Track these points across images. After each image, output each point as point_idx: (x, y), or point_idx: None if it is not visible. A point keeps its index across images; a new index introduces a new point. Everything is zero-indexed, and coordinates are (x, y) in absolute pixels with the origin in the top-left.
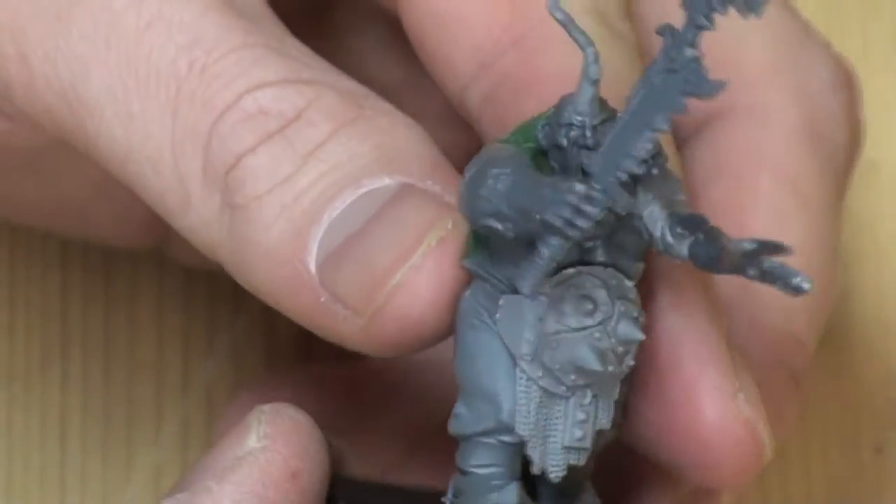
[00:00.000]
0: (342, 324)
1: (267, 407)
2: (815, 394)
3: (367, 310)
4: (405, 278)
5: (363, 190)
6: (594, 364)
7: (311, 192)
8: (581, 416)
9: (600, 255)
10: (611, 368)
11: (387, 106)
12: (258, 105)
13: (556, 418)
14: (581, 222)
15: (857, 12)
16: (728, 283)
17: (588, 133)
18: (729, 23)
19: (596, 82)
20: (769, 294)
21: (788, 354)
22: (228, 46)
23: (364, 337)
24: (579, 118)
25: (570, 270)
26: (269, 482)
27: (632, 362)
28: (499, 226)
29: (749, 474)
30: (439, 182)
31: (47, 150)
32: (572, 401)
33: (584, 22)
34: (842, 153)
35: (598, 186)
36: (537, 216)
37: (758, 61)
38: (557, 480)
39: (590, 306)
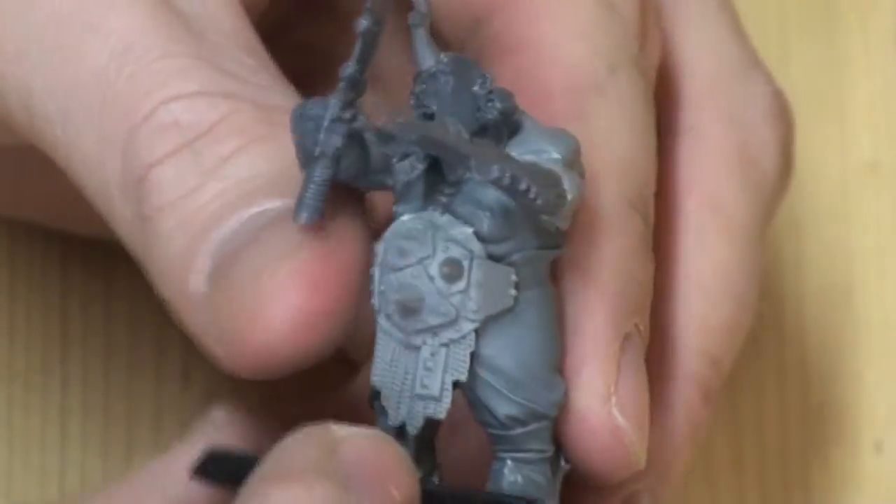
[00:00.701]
0: (214, 347)
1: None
2: (814, 394)
3: (230, 337)
4: (259, 309)
5: (255, 210)
6: (409, 297)
7: (208, 208)
8: (430, 364)
9: (457, 206)
10: (435, 308)
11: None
12: (173, 117)
13: (408, 370)
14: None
15: (857, 12)
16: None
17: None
18: (678, 44)
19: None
20: (685, 313)
21: (702, 373)
22: (155, 54)
23: (228, 362)
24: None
25: (405, 217)
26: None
27: (474, 310)
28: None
29: (612, 479)
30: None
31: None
32: (423, 350)
33: None
34: (770, 181)
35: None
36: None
37: (699, 85)
38: (415, 432)
39: (407, 246)
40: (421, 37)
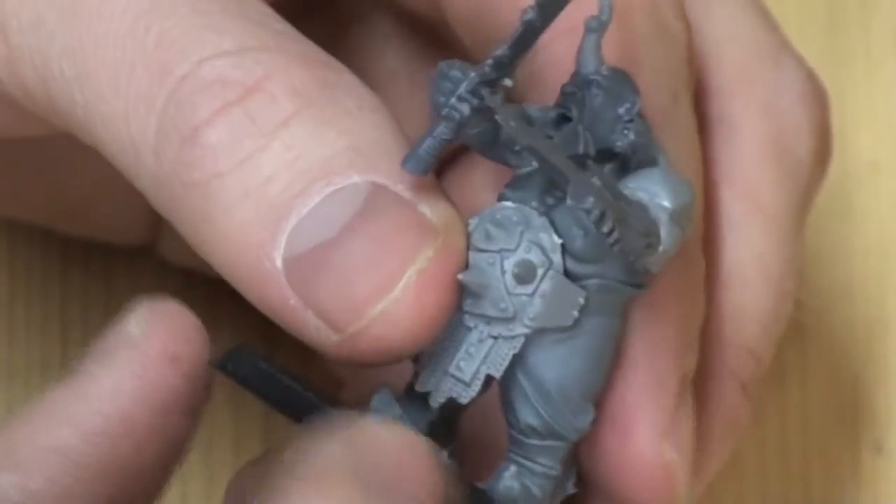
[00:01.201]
0: (314, 332)
1: (146, 300)
2: (815, 394)
3: (345, 330)
4: (387, 309)
5: (332, 188)
6: (474, 281)
7: (278, 180)
8: (472, 350)
9: (557, 213)
10: (496, 301)
11: (351, 80)
12: (216, 73)
13: (452, 345)
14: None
15: (857, 11)
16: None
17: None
18: (704, 32)
19: (594, 31)
20: (723, 306)
21: (740, 366)
22: (184, 12)
23: (337, 351)
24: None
25: (507, 203)
26: (148, 365)
27: (531, 317)
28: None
29: None
30: (409, 186)
31: (46, 142)
32: (472, 333)
33: (637, 16)
34: (806, 168)
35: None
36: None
37: (729, 73)
38: (435, 406)
39: (494, 232)
40: (592, 41)
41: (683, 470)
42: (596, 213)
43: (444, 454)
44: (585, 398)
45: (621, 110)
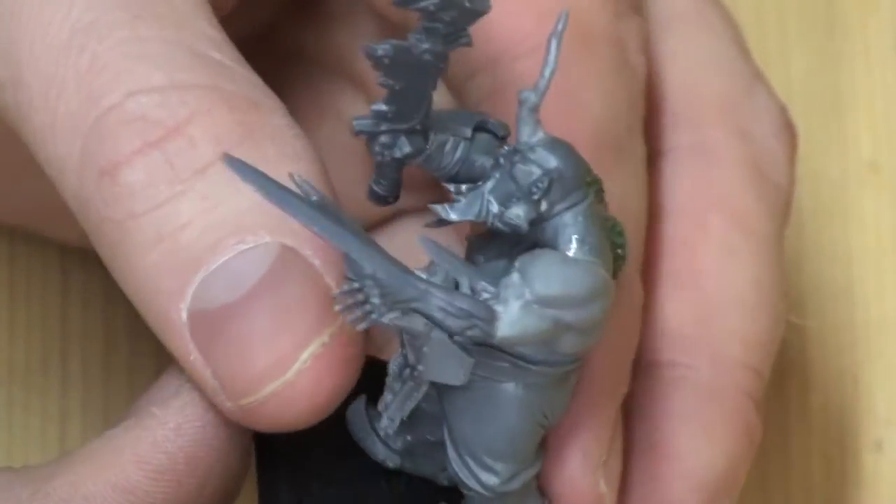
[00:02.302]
0: (211, 393)
1: None
2: (815, 394)
3: (238, 400)
4: (279, 390)
5: (243, 246)
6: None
7: (191, 230)
8: (394, 385)
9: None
10: (399, 351)
11: (279, 124)
12: (141, 110)
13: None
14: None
15: (857, 12)
16: (689, 322)
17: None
18: (680, 61)
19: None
20: (729, 328)
21: (751, 386)
22: (121, 36)
23: (231, 416)
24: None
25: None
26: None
27: (420, 369)
28: None
29: None
30: (318, 250)
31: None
32: (392, 366)
33: (601, 49)
34: (784, 194)
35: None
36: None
37: (704, 103)
38: (382, 433)
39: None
40: (525, 112)
41: (612, 500)
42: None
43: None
44: (490, 456)
45: (528, 183)
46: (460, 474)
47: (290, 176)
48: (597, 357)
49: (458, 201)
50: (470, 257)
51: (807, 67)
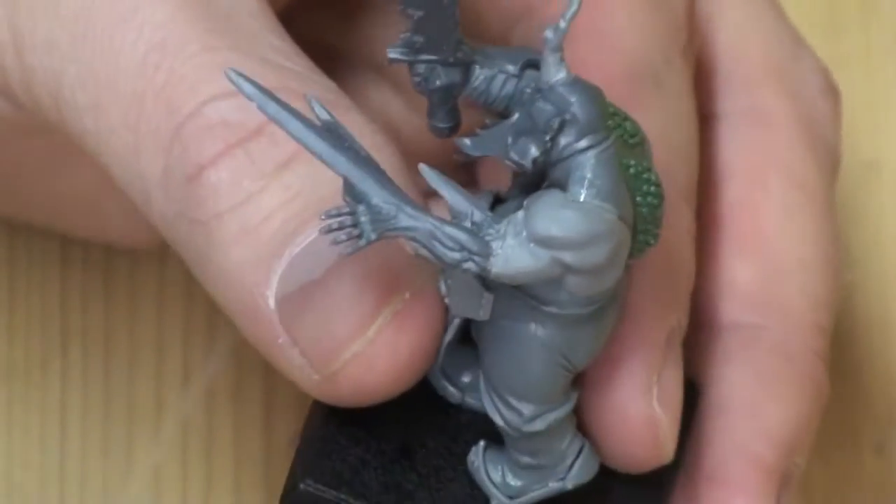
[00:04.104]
0: (297, 371)
1: None
2: None
3: (323, 370)
4: (361, 350)
5: (325, 226)
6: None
7: (273, 220)
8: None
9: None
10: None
11: (355, 118)
12: (220, 115)
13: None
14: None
15: (858, 12)
16: (757, 282)
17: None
18: (724, 28)
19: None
20: (796, 291)
21: (817, 341)
22: (194, 48)
23: (318, 391)
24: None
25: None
26: None
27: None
28: None
29: (639, 468)
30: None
31: (55, 140)
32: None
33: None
34: (833, 153)
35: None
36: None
37: (754, 67)
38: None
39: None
40: (549, 53)
41: (670, 424)
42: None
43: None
44: (513, 395)
45: (542, 123)
46: (489, 410)
47: (305, 97)
48: (641, 282)
49: (479, 136)
50: (495, 204)
51: None
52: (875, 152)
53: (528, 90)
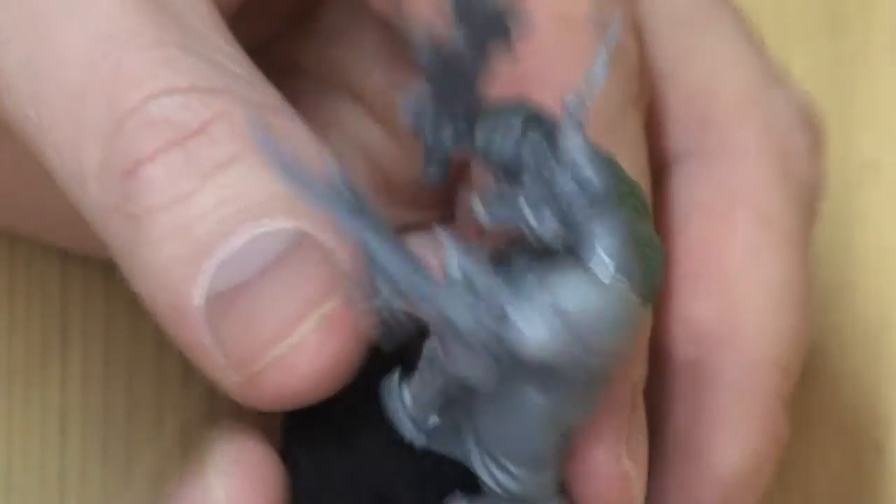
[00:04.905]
0: (220, 373)
1: (219, 441)
2: (815, 394)
3: (244, 371)
4: (284, 354)
5: (260, 230)
6: None
7: (208, 219)
8: (426, 377)
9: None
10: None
11: (296, 126)
12: (163, 112)
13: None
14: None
15: (858, 12)
16: (716, 320)
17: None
18: (700, 61)
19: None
20: (757, 326)
21: (779, 386)
22: (141, 43)
23: (240, 393)
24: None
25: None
26: None
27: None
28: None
29: None
30: (334, 236)
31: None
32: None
33: (584, 30)
34: (811, 189)
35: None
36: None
37: (728, 100)
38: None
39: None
40: (570, 121)
41: (639, 476)
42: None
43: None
44: (507, 457)
45: (563, 193)
46: (479, 470)
47: (324, 162)
48: None
49: (491, 203)
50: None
51: (807, 67)
52: (875, 152)
53: (539, 150)
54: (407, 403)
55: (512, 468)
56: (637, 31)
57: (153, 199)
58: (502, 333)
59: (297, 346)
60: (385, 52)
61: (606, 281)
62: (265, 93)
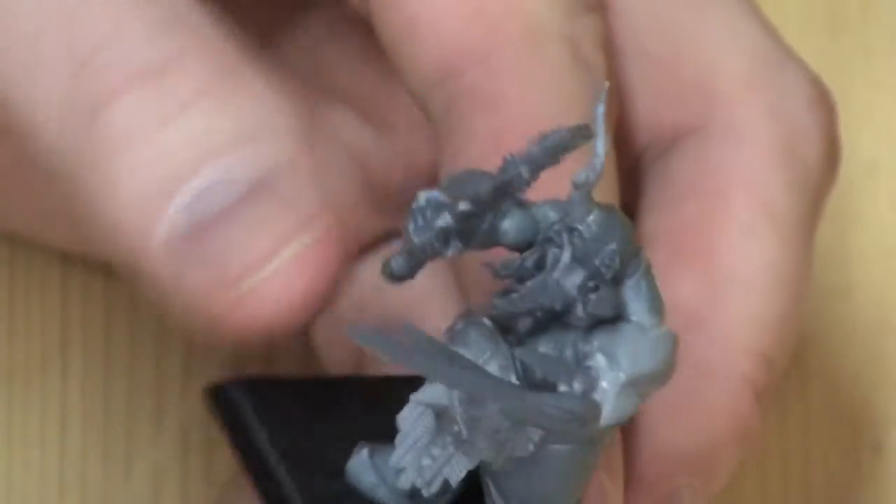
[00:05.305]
0: (185, 312)
1: None
2: (815, 394)
3: (213, 307)
4: (254, 286)
5: (224, 168)
6: (432, 404)
7: (172, 159)
8: (435, 452)
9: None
10: (451, 423)
11: (254, 69)
12: (128, 51)
13: (423, 436)
14: None
15: (858, 12)
16: (697, 298)
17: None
18: (706, 39)
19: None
20: (738, 311)
21: (754, 372)
22: None
23: (206, 328)
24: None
25: (487, 323)
26: None
27: (482, 451)
28: None
29: None
30: (302, 171)
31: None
32: (439, 434)
33: (552, 49)
34: (816, 172)
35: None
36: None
37: (734, 79)
38: (403, 488)
39: (463, 352)
40: (579, 195)
41: (615, 489)
42: (503, 429)
43: None
44: None
45: (597, 262)
46: None
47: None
48: None
49: (516, 291)
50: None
51: None
52: (874, 153)
53: (555, 231)
54: (386, 477)
55: None
56: (606, 45)
57: (118, 139)
58: (592, 419)
59: (266, 281)
60: (374, 54)
61: (658, 330)
62: (224, 38)
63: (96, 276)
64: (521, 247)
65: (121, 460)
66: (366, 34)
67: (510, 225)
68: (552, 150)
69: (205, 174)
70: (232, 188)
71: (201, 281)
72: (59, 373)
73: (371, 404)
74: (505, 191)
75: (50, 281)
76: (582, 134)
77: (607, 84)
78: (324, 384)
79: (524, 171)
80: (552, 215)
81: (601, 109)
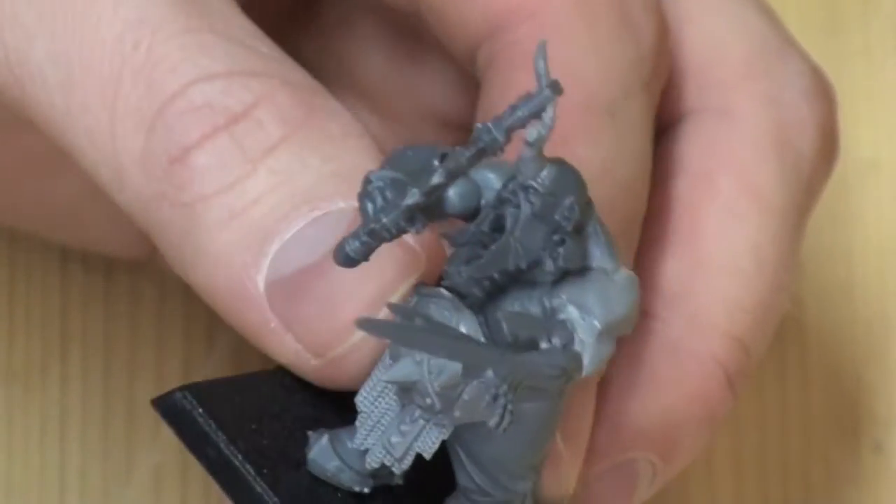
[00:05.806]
0: (293, 356)
1: None
2: (815, 394)
3: (325, 354)
4: (368, 336)
5: (317, 213)
6: (399, 381)
7: (263, 204)
8: (405, 428)
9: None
10: (423, 395)
11: (336, 105)
12: (205, 98)
13: (388, 413)
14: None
15: (858, 11)
16: (677, 278)
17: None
18: (707, 26)
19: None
20: (715, 293)
21: (728, 356)
22: (173, 29)
23: (316, 375)
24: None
25: (445, 294)
26: None
27: (456, 418)
28: None
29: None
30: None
31: (29, 145)
32: (406, 411)
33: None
34: (808, 163)
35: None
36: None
37: (733, 66)
38: (370, 469)
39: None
40: (530, 153)
41: (572, 458)
42: (502, 391)
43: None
44: (523, 468)
45: (557, 216)
46: (493, 492)
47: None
48: None
49: (480, 256)
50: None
51: None
52: (875, 151)
53: (510, 191)
54: (348, 460)
55: (528, 473)
56: (658, 9)
57: (205, 186)
58: (577, 370)
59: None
60: (384, 43)
61: (621, 273)
62: (299, 73)
63: (96, 277)
64: (467, 214)
65: (121, 460)
66: (376, 22)
67: (454, 193)
68: (523, 118)
69: (296, 220)
70: (329, 231)
71: (309, 331)
72: (59, 373)
73: (312, 390)
74: (481, 158)
75: (50, 281)
76: (556, 90)
77: (545, 40)
78: (265, 379)
79: (500, 136)
80: (492, 177)
81: (542, 64)
